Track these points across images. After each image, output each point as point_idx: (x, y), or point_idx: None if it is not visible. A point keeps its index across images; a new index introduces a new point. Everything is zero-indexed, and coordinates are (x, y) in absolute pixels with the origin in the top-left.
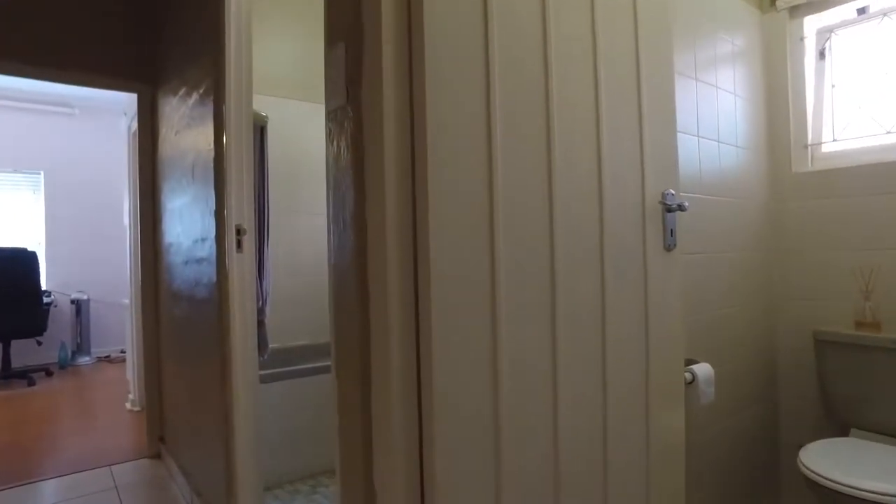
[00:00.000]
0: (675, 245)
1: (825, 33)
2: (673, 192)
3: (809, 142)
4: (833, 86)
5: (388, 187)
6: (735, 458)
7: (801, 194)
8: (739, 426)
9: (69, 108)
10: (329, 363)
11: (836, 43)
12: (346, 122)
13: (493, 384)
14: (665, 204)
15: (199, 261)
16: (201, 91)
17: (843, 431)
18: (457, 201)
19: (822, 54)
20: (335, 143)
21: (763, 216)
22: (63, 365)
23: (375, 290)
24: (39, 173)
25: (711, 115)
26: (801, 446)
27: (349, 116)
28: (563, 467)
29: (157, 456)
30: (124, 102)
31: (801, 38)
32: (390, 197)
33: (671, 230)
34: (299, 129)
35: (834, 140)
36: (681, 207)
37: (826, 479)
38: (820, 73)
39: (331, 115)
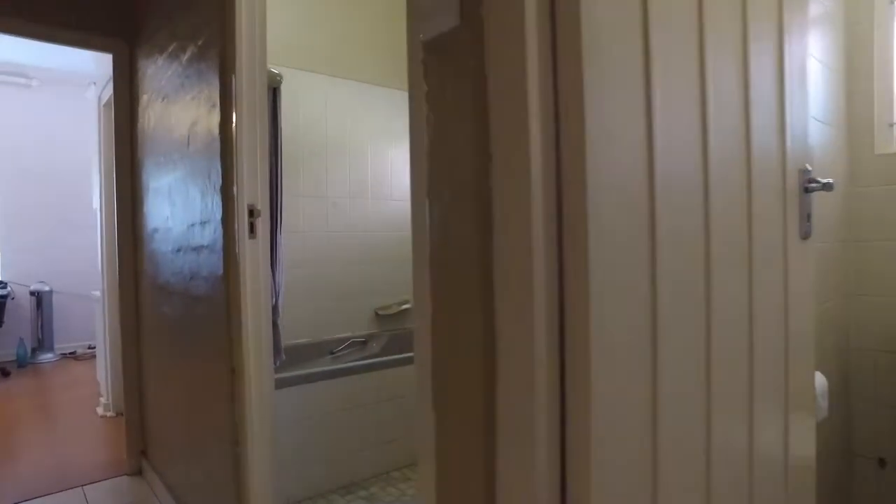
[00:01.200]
0: (811, 233)
1: None
2: (810, 167)
3: (895, 120)
4: None
5: (533, 143)
6: None
7: (885, 178)
8: None
9: (26, 78)
10: (342, 365)
11: None
12: (460, 50)
13: (652, 434)
14: (809, 181)
15: (198, 249)
16: (200, 43)
17: None
18: (612, 167)
19: None
20: (437, 82)
21: (840, 202)
22: (22, 363)
23: (508, 292)
24: None
25: None
26: (880, 459)
27: (465, 42)
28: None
29: (138, 472)
30: (92, 73)
31: (892, 1)
32: (535, 156)
33: (808, 214)
34: (299, 101)
35: None
36: (826, 187)
37: None
38: None
39: (431, 45)
